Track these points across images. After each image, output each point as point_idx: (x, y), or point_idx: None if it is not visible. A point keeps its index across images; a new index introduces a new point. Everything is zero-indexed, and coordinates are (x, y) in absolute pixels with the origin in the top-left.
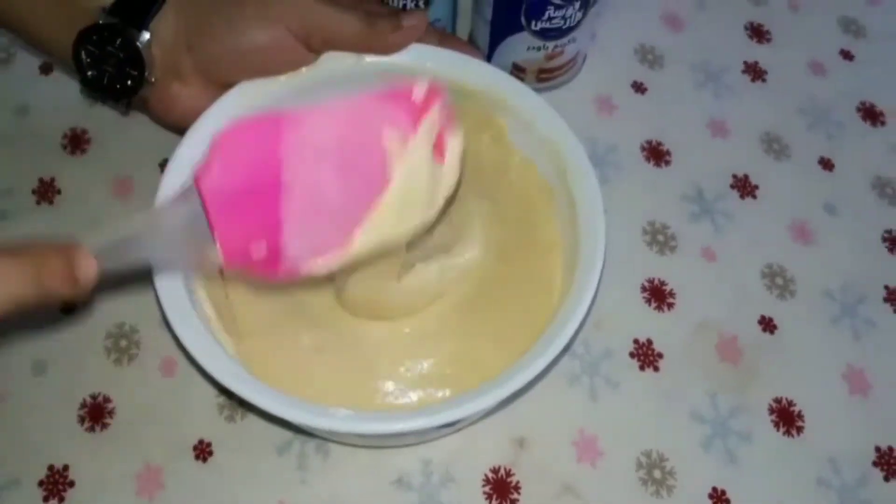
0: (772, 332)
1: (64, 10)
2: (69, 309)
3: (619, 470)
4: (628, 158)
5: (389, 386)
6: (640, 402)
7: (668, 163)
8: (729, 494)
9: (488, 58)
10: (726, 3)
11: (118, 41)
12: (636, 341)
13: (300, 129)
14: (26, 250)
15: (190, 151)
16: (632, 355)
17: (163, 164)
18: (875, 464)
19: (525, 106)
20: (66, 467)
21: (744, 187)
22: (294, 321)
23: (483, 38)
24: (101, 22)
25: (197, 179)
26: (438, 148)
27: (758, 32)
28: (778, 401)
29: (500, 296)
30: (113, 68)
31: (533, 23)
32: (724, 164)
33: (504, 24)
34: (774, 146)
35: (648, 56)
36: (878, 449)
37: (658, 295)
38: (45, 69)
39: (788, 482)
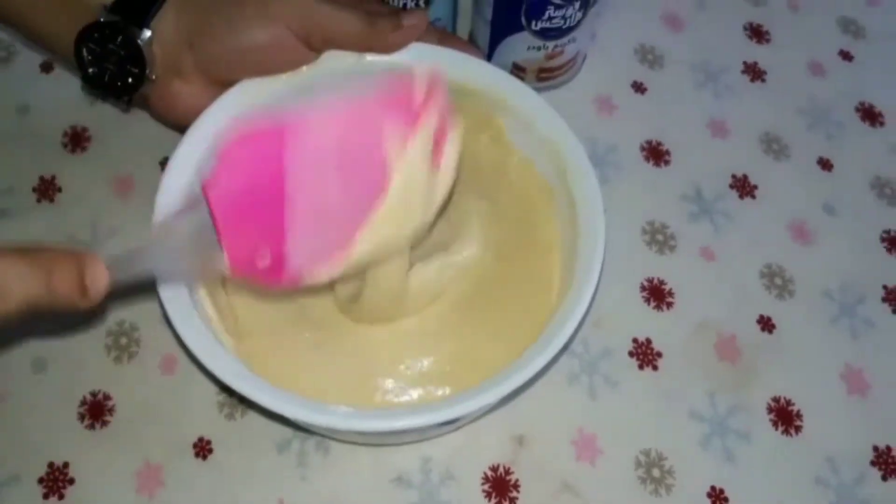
0: (770, 332)
1: (66, 7)
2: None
3: (618, 468)
4: (628, 158)
5: (389, 384)
6: (639, 400)
7: (667, 163)
8: (727, 493)
9: (488, 57)
10: (726, 4)
11: (119, 39)
12: (635, 340)
13: (302, 137)
14: (40, 253)
15: (191, 150)
16: (631, 354)
17: (163, 163)
18: (873, 463)
19: (525, 105)
20: (66, 464)
21: (743, 187)
22: (294, 319)
23: (483, 37)
24: (102, 20)
25: (205, 190)
26: (436, 150)
27: (757, 33)
28: (776, 400)
29: (499, 294)
30: (114, 66)
31: (533, 22)
32: (723, 164)
33: (504, 23)
34: (774, 146)
35: (648, 56)
36: (875, 448)
37: (657, 294)
38: (46, 68)
39: (787, 481)
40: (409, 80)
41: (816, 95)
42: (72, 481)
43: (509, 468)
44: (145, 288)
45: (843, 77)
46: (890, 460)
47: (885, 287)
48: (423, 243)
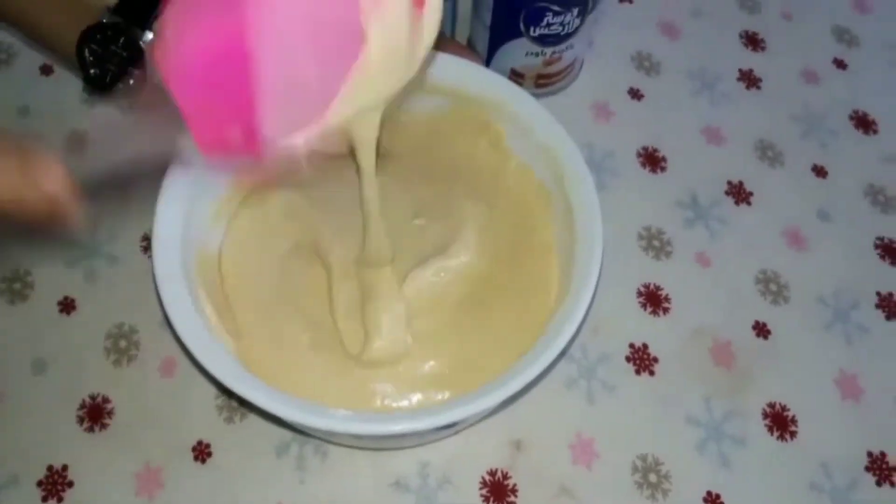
0: (765, 338)
1: (68, 8)
2: (72, 302)
3: (615, 473)
4: (624, 164)
5: (388, 388)
6: (635, 405)
7: (663, 169)
8: (723, 498)
9: (487, 63)
10: (721, 12)
11: (121, 40)
12: (632, 346)
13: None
14: None
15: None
16: (628, 359)
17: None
18: (867, 468)
19: (523, 111)
20: (65, 467)
21: (738, 194)
22: (294, 323)
23: (482, 43)
24: (104, 21)
25: (156, 60)
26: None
27: (752, 41)
28: (771, 405)
29: (497, 299)
30: (116, 67)
31: (531, 29)
32: (718, 170)
33: (503, 29)
34: (768, 153)
35: (645, 63)
36: (869, 454)
37: (653, 300)
38: (46, 70)
39: (781, 486)
40: None
41: (811, 103)
42: (71, 484)
43: (507, 473)
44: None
45: (837, 85)
46: (884, 466)
47: (878, 293)
48: (420, 248)
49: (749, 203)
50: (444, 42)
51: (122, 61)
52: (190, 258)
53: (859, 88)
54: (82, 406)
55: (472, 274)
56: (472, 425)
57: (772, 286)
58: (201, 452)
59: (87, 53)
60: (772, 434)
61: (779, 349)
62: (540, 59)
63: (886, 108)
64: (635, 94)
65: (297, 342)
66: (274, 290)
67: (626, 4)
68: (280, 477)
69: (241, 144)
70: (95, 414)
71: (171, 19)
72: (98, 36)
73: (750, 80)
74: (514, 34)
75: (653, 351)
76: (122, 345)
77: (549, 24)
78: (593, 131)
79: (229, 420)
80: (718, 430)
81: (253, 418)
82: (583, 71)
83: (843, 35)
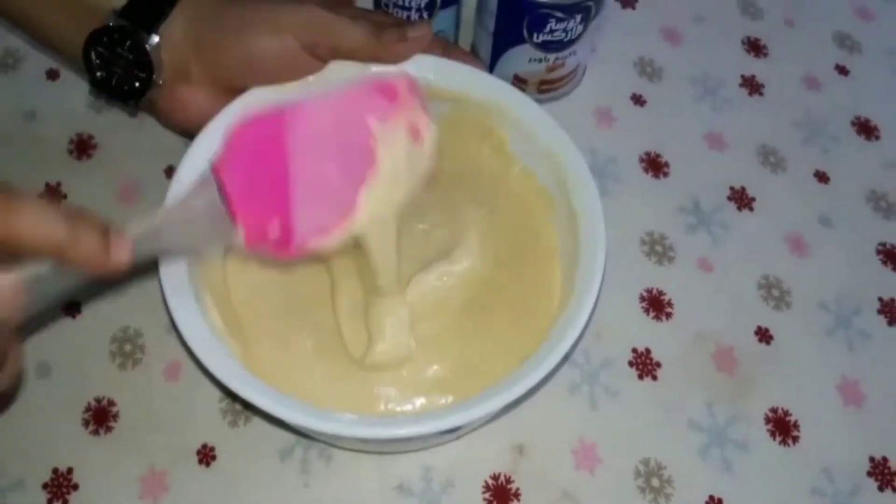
0: (768, 343)
1: (75, 11)
2: (76, 306)
3: (617, 478)
4: (627, 170)
5: (392, 392)
6: (638, 410)
7: (666, 174)
8: (726, 503)
9: (490, 69)
10: (724, 18)
11: (128, 43)
12: (635, 350)
13: (301, 120)
14: (74, 210)
15: (198, 157)
16: (630, 364)
17: (168, 171)
18: (869, 474)
19: (527, 117)
20: (70, 470)
21: (740, 199)
22: (298, 327)
23: (485, 49)
24: (111, 24)
25: (216, 170)
26: (415, 130)
27: (755, 47)
28: (774, 410)
29: (500, 303)
30: (122, 70)
31: (535, 35)
32: (721, 176)
33: (506, 36)
34: (771, 159)
35: (647, 69)
36: (872, 459)
37: (656, 305)
38: (52, 75)
39: (784, 491)
40: (388, 78)
41: (813, 109)
42: (76, 487)
43: (510, 477)
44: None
45: (839, 91)
46: (886, 471)
47: (880, 299)
48: (424, 252)
49: (751, 209)
50: (448, 48)
51: (128, 65)
52: (195, 262)
53: (861, 95)
54: (87, 409)
55: (476, 279)
56: (475, 429)
57: (774, 292)
58: (206, 456)
59: (93, 56)
60: (774, 439)
61: (781, 355)
62: (543, 65)
63: (888, 115)
64: (638, 99)
65: (301, 346)
66: (278, 294)
67: (629, 11)
68: (284, 480)
69: (279, 241)
70: (100, 417)
71: (232, 138)
72: (105, 39)
73: (752, 86)
74: (518, 40)
75: (655, 356)
76: (127, 348)
77: (552, 31)
78: (596, 137)
79: (233, 424)
80: (721, 435)
81: (257, 422)
82: (585, 77)
83: (845, 41)
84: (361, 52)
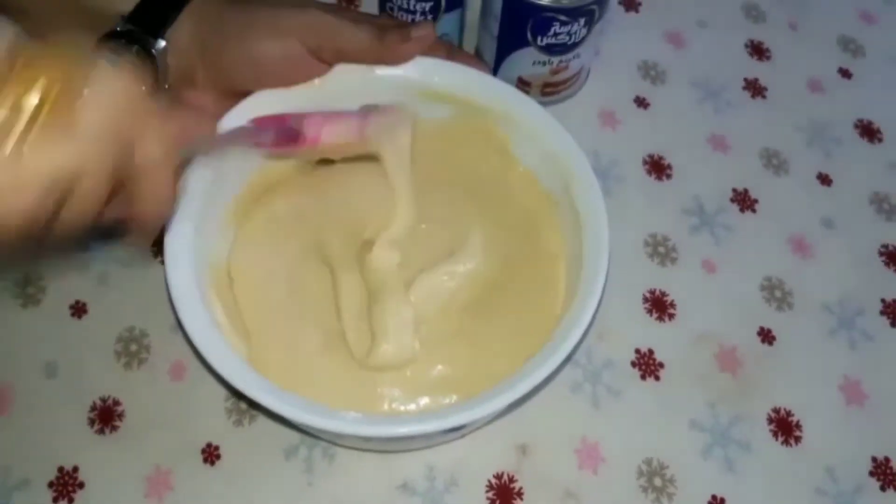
0: (770, 344)
1: (83, 16)
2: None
3: (620, 477)
4: (630, 172)
5: (396, 392)
6: (641, 410)
7: (669, 176)
8: (728, 502)
9: (494, 71)
10: (727, 21)
11: (135, 48)
12: (637, 351)
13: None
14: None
15: (204, 160)
16: (633, 365)
17: None
18: (871, 474)
19: (530, 119)
20: (75, 469)
21: (743, 201)
22: (302, 326)
23: (489, 52)
24: (119, 29)
25: (254, 121)
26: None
27: (758, 50)
28: (776, 411)
29: (504, 304)
30: None
31: (539, 38)
32: (724, 178)
33: (510, 39)
34: (774, 161)
35: (651, 72)
36: (874, 459)
37: (659, 306)
38: None
39: (787, 491)
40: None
41: (816, 112)
42: (81, 485)
43: (513, 476)
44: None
45: (842, 94)
46: (888, 471)
47: (882, 300)
48: (428, 253)
49: (754, 210)
50: (452, 51)
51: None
52: (201, 262)
53: (864, 98)
54: (93, 408)
55: (479, 279)
56: (478, 429)
57: (777, 293)
58: (210, 455)
59: None
60: (777, 439)
61: (784, 355)
62: (547, 68)
63: (891, 117)
64: (641, 102)
65: (305, 345)
66: (283, 293)
67: (633, 14)
68: (288, 479)
69: (296, 135)
70: (106, 416)
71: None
72: (112, 44)
73: (755, 88)
74: (522, 43)
75: (658, 356)
76: (132, 348)
77: (556, 34)
78: (599, 139)
79: (238, 423)
80: (724, 436)
81: (261, 421)
82: (589, 80)
83: (849, 45)
84: (365, 54)
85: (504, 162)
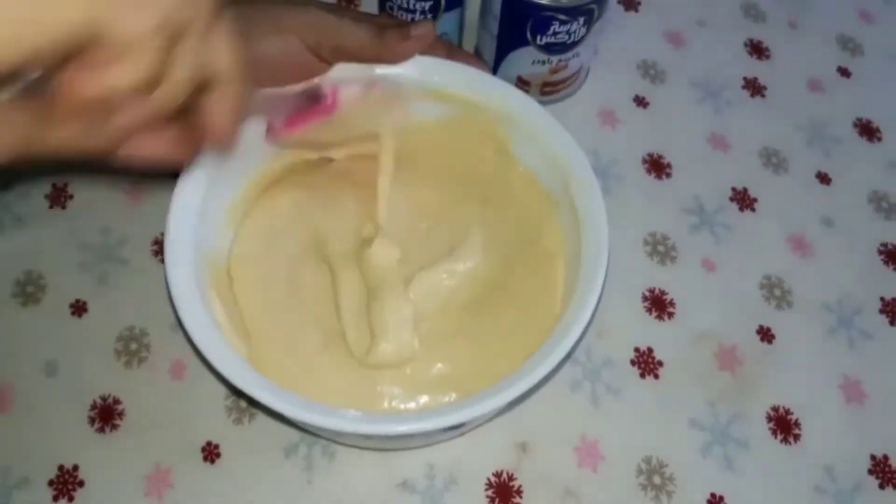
0: (770, 342)
1: None
2: (83, 305)
3: (619, 475)
4: (630, 171)
5: (396, 390)
6: (640, 408)
7: (668, 175)
8: (727, 501)
9: (494, 71)
10: (726, 21)
11: None
12: (637, 349)
13: None
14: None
15: (204, 159)
16: (632, 363)
17: (175, 173)
18: (870, 472)
19: (530, 118)
20: (75, 467)
21: (743, 200)
22: (302, 324)
23: (489, 51)
24: None
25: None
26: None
27: (757, 49)
28: (775, 409)
29: (504, 302)
30: None
31: (538, 37)
32: (723, 177)
33: (510, 38)
34: (773, 160)
35: (650, 71)
36: (873, 457)
37: (658, 304)
38: None
39: (786, 489)
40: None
41: (815, 111)
42: (81, 484)
43: (512, 474)
44: (152, 286)
45: (841, 93)
46: (887, 469)
47: (882, 299)
48: (427, 251)
49: (753, 209)
50: (451, 50)
51: None
52: (201, 261)
53: (863, 97)
54: (93, 407)
55: (479, 278)
56: (478, 427)
57: (776, 291)
58: (210, 453)
59: None
60: (776, 438)
61: (783, 354)
62: (546, 68)
63: (890, 116)
64: (641, 101)
65: (305, 344)
66: (282, 292)
67: (632, 13)
68: (288, 477)
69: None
70: (106, 415)
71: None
72: None
73: (755, 88)
74: (521, 43)
75: (658, 355)
76: (132, 347)
77: (555, 33)
78: (599, 138)
79: (238, 421)
80: (723, 434)
81: (261, 419)
82: (588, 79)
83: (848, 44)
84: (365, 52)
85: (504, 161)
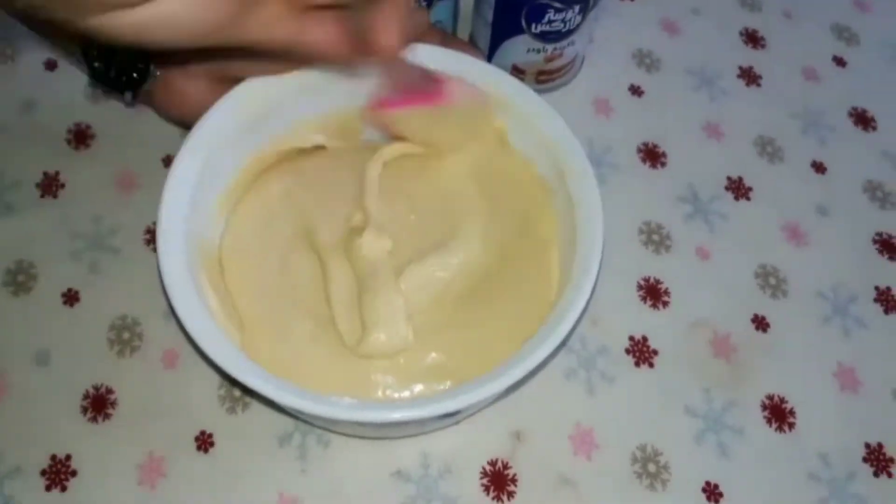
0: (764, 331)
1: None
2: (75, 294)
3: (614, 463)
4: (625, 159)
5: (389, 379)
6: (635, 397)
7: (663, 164)
8: (722, 488)
9: (488, 59)
10: (721, 10)
11: None
12: (631, 338)
13: None
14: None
15: (196, 147)
16: (627, 352)
17: (166, 160)
18: (864, 459)
19: (525, 106)
20: (68, 457)
21: (738, 189)
22: (294, 314)
23: (483, 39)
24: None
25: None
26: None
27: (752, 38)
28: (770, 397)
29: (499, 291)
30: (120, 61)
31: (533, 26)
32: (718, 166)
33: (505, 26)
34: (768, 149)
35: (645, 60)
36: (867, 445)
37: (653, 293)
38: (50, 65)
39: (780, 476)
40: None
41: (810, 100)
42: (74, 473)
43: (507, 462)
44: (145, 275)
45: (836, 82)
46: (881, 457)
47: (876, 288)
48: (419, 242)
49: (749, 198)
50: (446, 38)
51: (126, 56)
52: (194, 249)
53: (859, 86)
54: (86, 396)
55: (474, 268)
56: (472, 415)
57: (771, 280)
58: (204, 442)
59: (91, 48)
60: (770, 426)
61: (778, 342)
62: (541, 56)
63: (885, 106)
64: (636, 90)
65: (298, 333)
66: (274, 280)
67: (627, 2)
68: (282, 466)
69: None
70: (98, 404)
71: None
72: None
73: (750, 76)
74: (516, 31)
75: (652, 343)
76: (125, 336)
77: (550, 21)
78: (594, 127)
79: (231, 410)
80: (717, 422)
81: (255, 408)
82: (584, 67)
83: (843, 33)
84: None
85: (500, 150)
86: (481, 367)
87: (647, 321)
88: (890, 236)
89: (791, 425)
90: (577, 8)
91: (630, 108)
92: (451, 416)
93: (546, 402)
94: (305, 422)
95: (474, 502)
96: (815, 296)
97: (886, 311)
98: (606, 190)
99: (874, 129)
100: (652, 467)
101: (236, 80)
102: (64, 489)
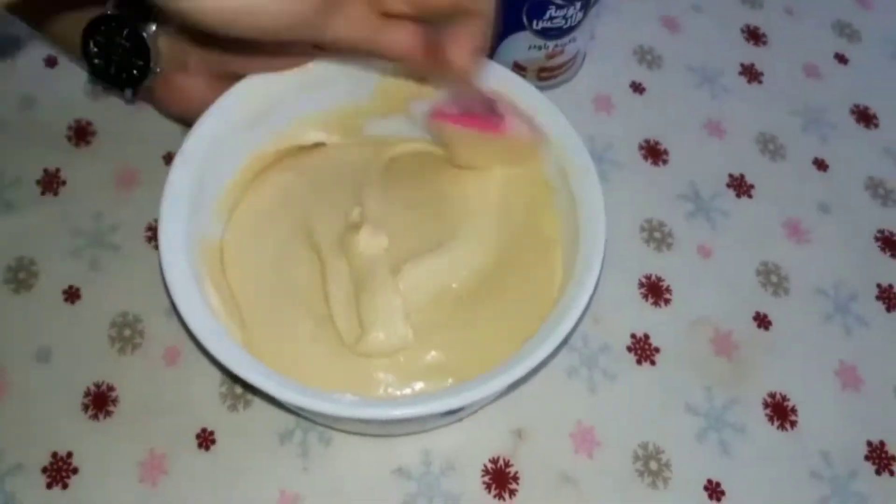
0: (766, 329)
1: None
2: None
3: (616, 461)
4: (626, 157)
5: (391, 378)
6: (636, 395)
7: (665, 162)
8: (724, 486)
9: (490, 56)
10: (723, 7)
11: (126, 32)
12: (633, 336)
13: None
14: None
15: (197, 144)
16: (629, 349)
17: (167, 157)
18: (866, 457)
19: (528, 103)
20: (69, 454)
21: (739, 186)
22: (295, 312)
23: None
24: (109, 12)
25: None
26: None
27: (754, 35)
28: (772, 395)
29: (500, 288)
30: (120, 58)
31: (534, 22)
32: (720, 163)
33: (506, 23)
34: (770, 146)
35: (647, 57)
36: (869, 443)
37: (655, 291)
38: (50, 62)
39: (782, 474)
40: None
41: (812, 97)
42: (75, 471)
43: (509, 460)
44: (147, 273)
45: (837, 79)
46: (883, 455)
47: (878, 285)
48: (420, 241)
49: (750, 196)
50: None
51: (126, 53)
52: (195, 246)
53: (860, 83)
54: (87, 394)
55: (474, 267)
56: (474, 412)
57: (772, 278)
58: (205, 440)
59: (91, 45)
60: (772, 423)
61: (779, 340)
62: (542, 53)
63: (887, 102)
64: (637, 87)
65: (298, 331)
66: (274, 277)
67: None
68: (283, 463)
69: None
70: (100, 402)
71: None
72: (103, 27)
73: (751, 74)
74: (517, 27)
75: (654, 341)
76: (126, 333)
77: (551, 18)
78: (595, 124)
79: (233, 408)
80: (719, 420)
81: (256, 406)
82: (585, 64)
83: (845, 30)
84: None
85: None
86: (482, 366)
87: (648, 319)
88: (891, 233)
89: (793, 423)
90: (578, 4)
91: (631, 105)
92: (452, 414)
93: (548, 399)
94: (307, 419)
95: (476, 500)
96: (816, 293)
97: (888, 309)
98: (608, 187)
99: (876, 126)
100: (653, 465)
101: (237, 77)
102: (65, 487)
